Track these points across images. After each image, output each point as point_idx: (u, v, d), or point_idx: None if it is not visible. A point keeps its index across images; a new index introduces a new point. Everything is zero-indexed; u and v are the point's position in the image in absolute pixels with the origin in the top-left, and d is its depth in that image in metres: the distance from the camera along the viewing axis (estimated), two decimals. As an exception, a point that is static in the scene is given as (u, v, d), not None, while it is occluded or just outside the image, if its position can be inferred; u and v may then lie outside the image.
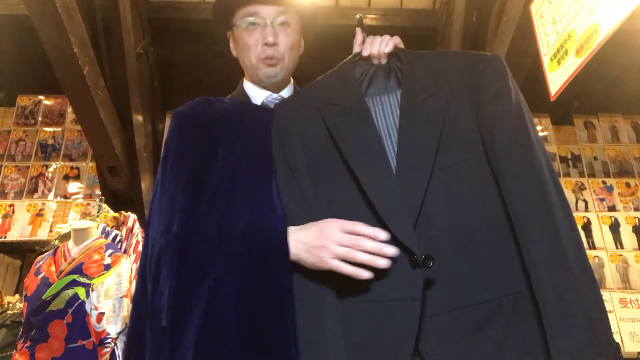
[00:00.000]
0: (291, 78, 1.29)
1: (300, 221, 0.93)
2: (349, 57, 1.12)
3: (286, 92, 1.24)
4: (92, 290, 1.90)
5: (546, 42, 1.86)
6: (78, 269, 1.95)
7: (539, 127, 4.10)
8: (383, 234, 0.84)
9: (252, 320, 0.87)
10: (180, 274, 0.90)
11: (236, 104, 1.21)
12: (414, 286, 0.82)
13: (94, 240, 2.08)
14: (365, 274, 0.84)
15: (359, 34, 1.14)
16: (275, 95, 1.22)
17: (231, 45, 1.28)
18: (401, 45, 1.10)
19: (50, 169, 3.79)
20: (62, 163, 3.81)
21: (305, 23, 1.27)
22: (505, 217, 0.86)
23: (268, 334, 0.86)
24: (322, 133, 1.00)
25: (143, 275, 0.99)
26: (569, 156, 3.99)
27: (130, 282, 2.03)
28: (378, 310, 0.85)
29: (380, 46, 1.07)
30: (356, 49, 1.13)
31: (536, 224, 0.82)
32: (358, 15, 1.23)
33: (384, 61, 1.08)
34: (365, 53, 1.09)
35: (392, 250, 0.83)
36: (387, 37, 1.09)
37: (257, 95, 1.22)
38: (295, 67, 1.26)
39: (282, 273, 0.90)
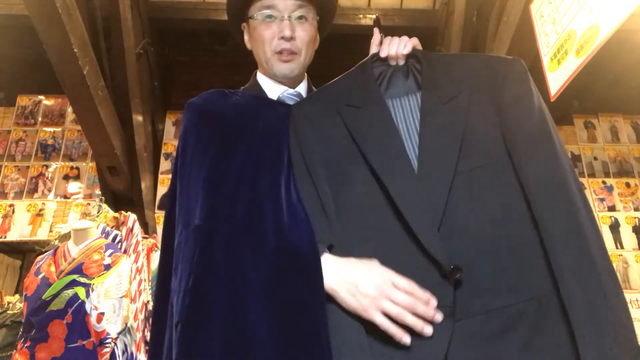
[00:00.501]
0: (305, 74, 1.26)
1: (316, 222, 0.92)
2: (366, 58, 1.10)
3: (302, 88, 1.22)
4: (92, 290, 1.90)
5: (546, 42, 1.86)
6: (78, 269, 1.95)
7: (539, 127, 4.10)
8: (434, 301, 0.81)
9: (283, 320, 0.83)
10: (200, 267, 0.87)
11: (252, 98, 1.18)
12: (445, 295, 0.81)
13: (94, 240, 2.08)
14: (407, 340, 0.80)
15: (377, 35, 1.12)
16: (291, 91, 1.20)
17: (245, 37, 1.25)
18: (419, 47, 1.08)
19: (50, 169, 3.79)
20: (62, 163, 3.81)
21: (322, 18, 1.24)
22: (529, 221, 0.85)
23: (300, 334, 0.83)
24: (343, 135, 0.99)
25: (163, 270, 0.99)
26: (569, 156, 3.99)
27: (130, 282, 2.03)
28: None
29: (399, 47, 1.05)
30: (373, 50, 1.11)
31: (563, 230, 0.81)
32: (375, 16, 1.24)
33: (401, 62, 1.07)
34: (383, 54, 1.07)
35: (440, 318, 0.81)
36: (405, 38, 1.07)
37: (273, 89, 1.19)
38: (310, 61, 1.23)
39: (314, 285, 0.86)
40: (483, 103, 0.95)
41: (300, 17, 1.16)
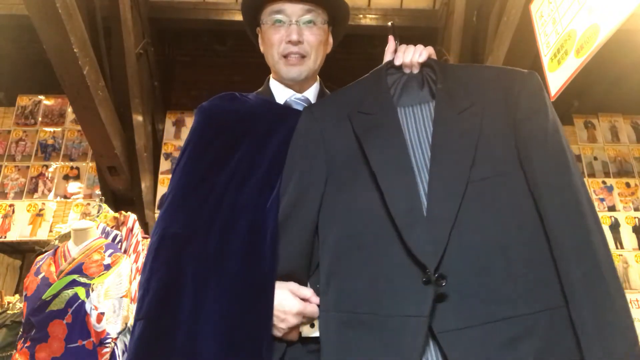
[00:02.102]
0: (318, 77, 1.27)
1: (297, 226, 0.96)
2: (381, 65, 1.09)
3: (311, 92, 1.22)
4: (92, 290, 1.90)
5: (546, 42, 1.86)
6: (78, 269, 1.95)
7: (539, 127, 4.10)
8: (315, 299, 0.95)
9: (230, 341, 0.91)
10: (171, 274, 0.94)
11: (259, 102, 1.20)
12: (423, 303, 0.81)
13: (94, 240, 2.08)
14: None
15: (392, 42, 1.11)
16: (298, 95, 1.20)
17: (260, 41, 1.27)
18: (434, 56, 1.08)
19: (50, 169, 3.79)
20: (62, 163, 3.81)
21: (335, 22, 1.26)
22: (541, 233, 0.85)
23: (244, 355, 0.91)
24: (351, 140, 0.99)
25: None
26: (569, 156, 3.99)
27: (130, 282, 2.03)
28: (383, 326, 0.84)
29: (414, 55, 1.05)
30: (388, 57, 1.10)
31: (575, 246, 0.82)
32: (390, 23, 1.20)
33: (416, 71, 1.06)
34: (397, 62, 1.06)
35: None
36: (420, 46, 1.06)
37: (281, 93, 1.21)
38: (321, 66, 1.24)
39: (264, 312, 0.94)
40: (497, 115, 0.95)
41: (308, 22, 1.17)
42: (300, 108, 1.17)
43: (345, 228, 0.93)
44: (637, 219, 3.75)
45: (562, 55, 1.72)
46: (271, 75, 1.26)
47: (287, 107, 1.18)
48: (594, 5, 1.57)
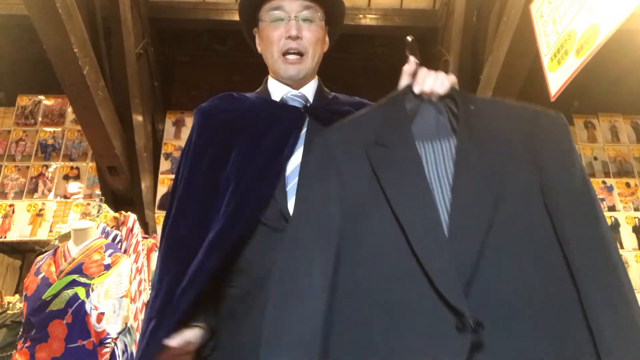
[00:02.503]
0: (316, 75, 1.27)
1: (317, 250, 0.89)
2: (399, 90, 1.02)
3: (308, 89, 1.22)
4: (92, 290, 1.90)
5: (546, 42, 1.86)
6: (78, 269, 1.95)
7: (539, 127, 4.10)
8: None
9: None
10: (179, 275, 1.03)
11: (256, 100, 1.21)
12: (459, 353, 0.76)
13: (94, 240, 2.08)
14: None
15: (412, 63, 1.03)
16: (294, 92, 1.20)
17: (257, 41, 1.27)
18: (456, 86, 1.02)
19: (50, 169, 3.79)
20: (62, 163, 3.81)
21: (331, 21, 1.25)
22: (570, 282, 0.83)
23: None
24: (367, 174, 0.92)
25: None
26: (569, 156, 3.99)
27: (130, 282, 2.03)
28: None
29: (435, 85, 0.98)
30: (406, 80, 1.03)
31: (607, 302, 0.80)
32: (409, 38, 1.11)
33: (435, 98, 1.00)
34: (417, 90, 1.00)
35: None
36: (442, 74, 1.00)
37: (278, 91, 1.21)
38: (319, 64, 1.24)
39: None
40: (522, 158, 0.91)
41: (306, 19, 1.17)
42: (296, 104, 1.18)
43: (363, 263, 0.87)
44: (637, 219, 3.75)
45: (562, 55, 1.72)
46: (269, 75, 1.27)
47: (282, 104, 1.18)
48: (594, 5, 1.57)
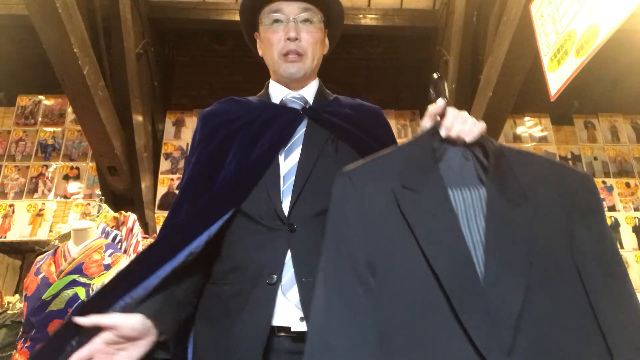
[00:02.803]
0: (317, 77, 1.28)
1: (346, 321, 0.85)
2: (425, 131, 0.99)
3: (308, 91, 1.23)
4: (92, 291, 1.89)
5: (546, 42, 1.86)
6: (78, 269, 1.95)
7: (539, 127, 4.11)
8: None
9: None
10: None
11: (256, 102, 1.23)
12: None
13: (94, 240, 2.08)
14: None
15: (440, 107, 0.99)
16: (294, 94, 1.21)
17: (258, 45, 1.29)
18: (484, 132, 0.98)
19: (50, 169, 3.79)
20: (62, 163, 3.82)
21: (331, 23, 1.26)
22: (601, 339, 0.84)
23: None
24: (397, 220, 0.89)
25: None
26: (569, 156, 4.00)
27: (130, 282, 2.03)
28: None
29: (463, 131, 0.95)
30: (430, 120, 0.99)
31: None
32: (435, 75, 1.07)
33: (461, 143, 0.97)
34: (443, 134, 0.96)
35: None
36: (471, 120, 0.97)
37: (278, 93, 1.22)
38: (319, 65, 1.25)
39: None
40: (551, 215, 0.91)
41: (305, 20, 1.18)
42: (295, 106, 1.18)
43: (393, 310, 0.84)
44: (637, 219, 3.75)
45: (562, 55, 1.72)
46: (270, 79, 1.28)
47: (281, 106, 1.19)
48: (594, 5, 1.57)
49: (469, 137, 0.94)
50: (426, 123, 1.00)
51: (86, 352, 0.91)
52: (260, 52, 1.28)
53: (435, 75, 1.07)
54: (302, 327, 0.96)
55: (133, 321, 0.93)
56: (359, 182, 0.94)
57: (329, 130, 1.15)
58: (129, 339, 0.93)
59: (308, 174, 1.07)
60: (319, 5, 1.21)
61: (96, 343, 0.92)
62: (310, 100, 1.22)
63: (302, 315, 0.97)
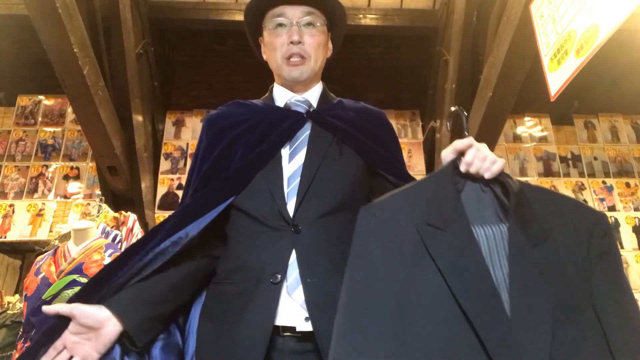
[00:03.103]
0: (321, 82, 1.29)
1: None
2: (446, 165, 1.00)
3: (312, 94, 1.25)
4: (92, 290, 1.90)
5: (546, 42, 1.86)
6: (78, 269, 1.95)
7: (539, 127, 4.11)
8: None
9: None
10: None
11: (261, 105, 1.25)
12: None
13: (94, 240, 2.08)
14: None
15: (467, 142, 0.99)
16: (298, 97, 1.23)
17: (262, 49, 1.30)
18: (504, 169, 0.99)
19: (50, 169, 3.79)
20: (62, 163, 3.81)
21: (333, 26, 1.28)
22: None
23: None
24: (422, 257, 0.90)
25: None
26: (569, 156, 3.99)
27: (130, 282, 2.03)
28: None
29: (483, 168, 0.97)
30: (453, 154, 1.00)
31: None
32: (455, 108, 1.08)
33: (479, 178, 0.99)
34: (463, 169, 0.98)
35: None
36: (491, 157, 0.98)
37: (282, 96, 1.24)
38: (322, 68, 1.27)
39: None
40: (570, 254, 0.93)
41: (308, 24, 1.20)
42: (299, 109, 1.20)
43: (420, 356, 0.84)
44: (637, 219, 3.75)
45: (562, 55, 1.72)
46: (274, 82, 1.29)
47: (285, 109, 1.21)
48: (594, 5, 1.57)
49: (487, 174, 0.96)
50: (448, 156, 1.00)
51: (60, 342, 0.96)
52: (264, 57, 1.29)
53: (453, 109, 1.09)
54: (307, 327, 0.97)
55: (90, 310, 0.95)
56: (384, 220, 0.94)
57: (332, 134, 1.16)
58: (91, 329, 0.95)
59: (313, 176, 1.08)
60: (322, 9, 1.22)
61: (65, 334, 0.97)
62: (315, 104, 1.23)
63: (307, 315, 0.98)
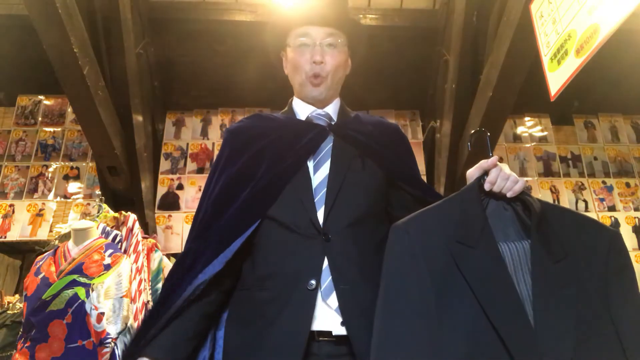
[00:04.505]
0: (339, 97, 1.36)
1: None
2: (473, 183, 1.07)
3: (332, 108, 1.31)
4: (92, 290, 1.89)
5: (546, 42, 1.86)
6: (78, 269, 1.95)
7: (539, 127, 4.10)
8: None
9: None
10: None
11: (284, 119, 1.30)
12: None
13: (94, 240, 2.08)
14: None
15: (493, 161, 1.06)
16: (320, 111, 1.29)
17: (284, 63, 1.36)
18: (526, 189, 1.06)
19: (50, 169, 3.79)
20: (62, 163, 3.81)
21: (353, 43, 1.34)
22: None
23: None
24: (452, 273, 0.96)
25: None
26: (569, 156, 3.99)
27: (130, 282, 2.03)
28: None
29: (506, 187, 1.03)
30: (478, 172, 1.07)
31: None
32: (473, 131, 1.14)
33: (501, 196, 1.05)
34: (487, 187, 1.05)
35: None
36: (513, 177, 1.04)
37: (303, 110, 1.30)
38: (341, 85, 1.34)
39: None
40: (589, 269, 0.97)
41: (330, 45, 1.27)
42: (321, 122, 1.26)
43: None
44: (637, 219, 3.75)
45: (562, 55, 1.71)
46: (294, 96, 1.36)
47: (308, 122, 1.27)
48: (594, 5, 1.57)
49: (510, 193, 1.03)
50: (474, 175, 1.07)
51: None
52: (285, 71, 1.36)
53: (473, 131, 1.16)
54: (342, 331, 1.01)
55: None
56: (417, 237, 1.00)
57: (354, 146, 1.22)
58: None
59: (339, 187, 1.14)
60: (343, 30, 1.29)
61: None
62: (335, 117, 1.30)
63: (342, 320, 1.02)
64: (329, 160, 1.18)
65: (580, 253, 0.98)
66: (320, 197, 1.13)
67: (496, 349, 0.87)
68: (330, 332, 1.01)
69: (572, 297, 0.92)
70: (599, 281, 0.96)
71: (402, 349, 0.90)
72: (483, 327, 0.89)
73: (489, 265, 0.95)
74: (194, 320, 1.05)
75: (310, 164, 1.18)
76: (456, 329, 0.91)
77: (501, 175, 1.03)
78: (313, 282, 1.03)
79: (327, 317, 1.02)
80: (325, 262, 1.06)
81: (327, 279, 1.04)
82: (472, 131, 1.17)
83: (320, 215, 1.10)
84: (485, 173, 1.06)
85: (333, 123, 1.27)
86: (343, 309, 1.01)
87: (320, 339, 1.02)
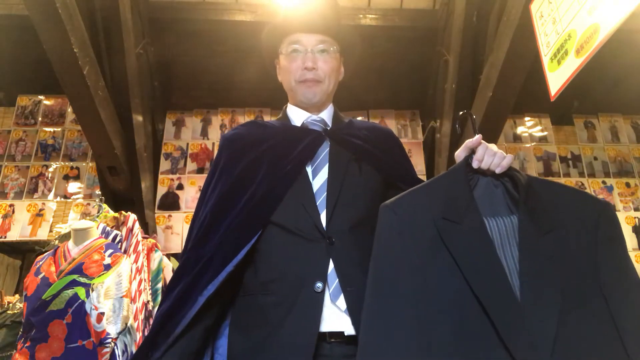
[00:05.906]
0: (332, 103, 1.36)
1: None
2: (460, 163, 1.07)
3: (326, 114, 1.32)
4: (92, 290, 1.89)
5: (546, 42, 1.86)
6: (78, 269, 1.95)
7: (539, 127, 4.11)
8: None
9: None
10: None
11: (279, 125, 1.31)
12: None
13: (94, 240, 2.08)
14: None
15: (478, 139, 1.06)
16: (314, 117, 1.30)
17: (277, 70, 1.37)
18: (513, 165, 1.07)
19: (50, 169, 3.79)
20: (62, 163, 3.82)
21: (346, 51, 1.35)
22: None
23: None
24: (439, 249, 0.98)
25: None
26: (569, 156, 4.00)
27: (130, 282, 2.03)
28: None
29: (493, 163, 1.04)
30: (465, 152, 1.07)
31: None
32: (461, 113, 1.16)
33: (490, 173, 1.06)
34: (475, 165, 1.06)
35: None
36: (500, 154, 1.05)
37: (298, 116, 1.31)
38: (334, 91, 1.34)
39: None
40: (577, 240, 0.98)
41: (322, 51, 1.28)
42: (316, 128, 1.27)
43: (438, 334, 0.91)
44: (637, 219, 3.75)
45: (562, 55, 1.72)
46: (288, 102, 1.36)
47: (304, 128, 1.28)
48: (594, 5, 1.57)
49: (498, 169, 1.04)
50: (460, 154, 1.08)
51: None
52: (279, 78, 1.37)
53: (460, 113, 1.17)
54: (353, 331, 1.03)
55: None
56: (403, 215, 1.02)
57: (350, 151, 1.23)
58: None
59: (338, 191, 1.15)
60: (335, 37, 1.30)
61: None
62: (329, 123, 1.30)
63: (351, 321, 1.03)
64: (327, 164, 1.19)
65: (569, 224, 0.98)
66: (321, 201, 1.14)
67: (481, 322, 0.89)
68: (342, 333, 1.03)
69: (559, 268, 0.93)
70: (588, 252, 0.96)
71: (389, 326, 0.92)
72: (468, 301, 0.91)
73: (473, 240, 0.96)
74: (199, 332, 1.07)
75: (309, 169, 1.19)
76: (443, 304, 0.92)
77: (487, 151, 1.04)
78: (319, 284, 1.04)
79: (337, 318, 1.04)
80: (331, 265, 1.07)
81: (334, 281, 1.05)
82: (460, 113, 1.17)
83: (323, 219, 1.12)
84: (473, 152, 1.06)
85: (328, 128, 1.28)
86: (351, 310, 1.03)
87: (332, 340, 1.03)
